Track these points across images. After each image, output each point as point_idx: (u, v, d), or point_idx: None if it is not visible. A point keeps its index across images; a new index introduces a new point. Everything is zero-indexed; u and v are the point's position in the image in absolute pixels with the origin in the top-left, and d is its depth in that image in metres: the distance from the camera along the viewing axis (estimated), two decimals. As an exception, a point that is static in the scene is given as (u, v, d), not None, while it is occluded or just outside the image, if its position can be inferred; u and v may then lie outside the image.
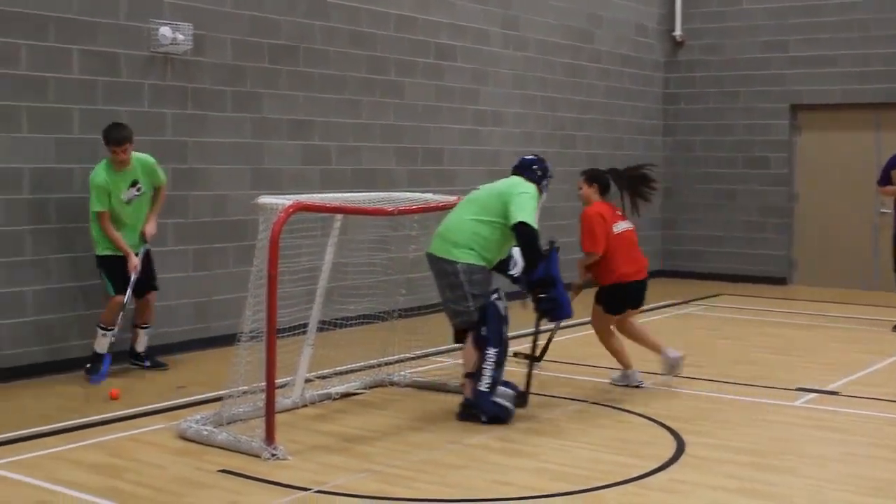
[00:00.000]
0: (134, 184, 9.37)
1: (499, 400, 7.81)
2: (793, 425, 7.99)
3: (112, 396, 8.47)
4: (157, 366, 9.70)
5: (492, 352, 7.79)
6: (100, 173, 9.17)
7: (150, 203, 9.62)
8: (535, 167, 8.26)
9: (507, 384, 8.02)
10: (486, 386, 7.77)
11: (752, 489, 6.39)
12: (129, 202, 9.34)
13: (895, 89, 15.99)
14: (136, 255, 9.38)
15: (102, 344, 9.22)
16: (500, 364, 7.85)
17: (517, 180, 8.11)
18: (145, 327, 9.71)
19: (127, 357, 9.67)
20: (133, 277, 9.28)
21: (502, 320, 7.86)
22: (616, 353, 9.16)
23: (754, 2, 17.16)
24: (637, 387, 9.05)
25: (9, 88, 9.13)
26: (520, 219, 7.73)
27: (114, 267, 9.29)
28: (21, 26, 9.20)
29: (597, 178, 9.28)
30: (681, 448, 7.25)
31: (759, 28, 17.13)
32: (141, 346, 9.70)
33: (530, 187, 8.03)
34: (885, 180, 12.59)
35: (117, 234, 9.26)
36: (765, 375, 9.74)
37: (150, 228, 9.58)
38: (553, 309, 7.85)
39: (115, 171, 9.22)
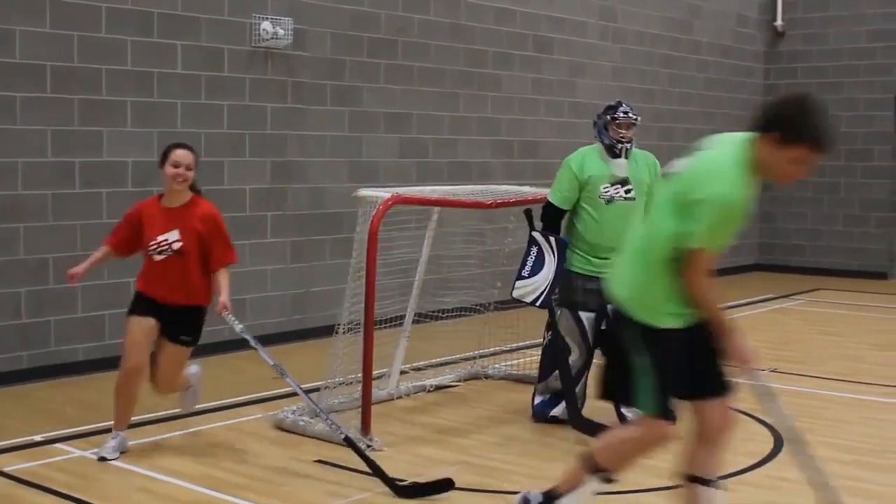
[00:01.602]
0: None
1: (541, 397, 7.69)
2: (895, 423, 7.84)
3: None
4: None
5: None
6: (737, 179, 4.58)
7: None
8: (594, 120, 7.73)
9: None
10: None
11: (856, 488, 6.26)
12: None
13: None
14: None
15: None
16: (549, 367, 7.62)
17: None
18: None
19: None
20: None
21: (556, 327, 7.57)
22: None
23: (859, -10, 16.85)
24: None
25: (115, 83, 9.34)
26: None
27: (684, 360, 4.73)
28: (127, 22, 9.39)
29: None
30: (779, 445, 7.15)
31: (863, 17, 16.77)
32: None
33: (569, 157, 7.70)
34: None
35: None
36: (865, 372, 9.57)
37: None
38: None
39: None
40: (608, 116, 7.50)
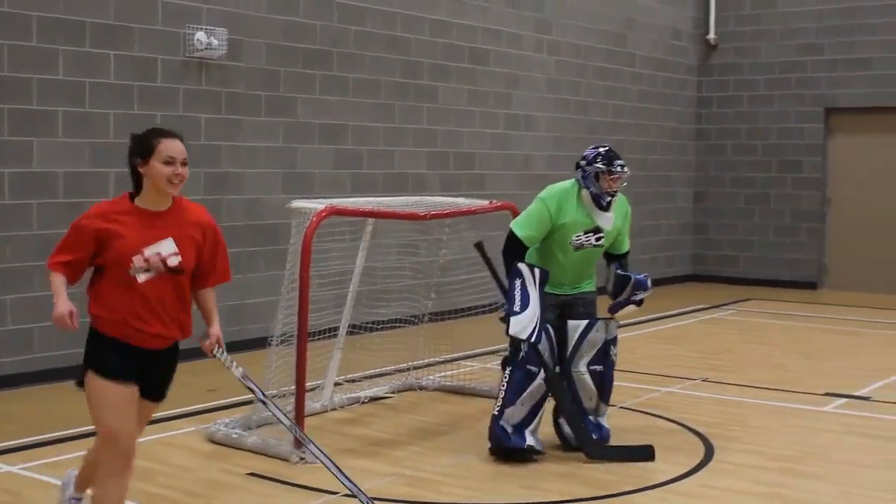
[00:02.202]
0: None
1: (507, 427, 7.05)
2: (823, 431, 7.97)
3: None
4: None
5: (506, 372, 7.13)
6: None
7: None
8: (579, 161, 7.27)
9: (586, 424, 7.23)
10: (497, 408, 7.07)
11: (781, 495, 6.40)
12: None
13: (932, 93, 15.90)
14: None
15: None
16: (517, 388, 7.04)
17: (552, 185, 7.44)
18: None
19: None
20: None
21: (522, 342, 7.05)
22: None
23: (789, 4, 17.09)
24: None
25: (46, 93, 9.25)
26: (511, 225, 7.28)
27: None
28: (59, 32, 9.31)
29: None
30: (710, 453, 7.25)
31: (794, 31, 17.05)
32: None
33: (546, 190, 7.25)
34: None
35: None
36: (794, 380, 9.72)
37: None
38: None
39: None
40: (602, 166, 7.09)
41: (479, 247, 7.44)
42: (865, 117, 16.60)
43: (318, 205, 7.35)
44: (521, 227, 7.16)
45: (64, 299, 4.76)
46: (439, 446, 7.41)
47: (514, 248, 7.13)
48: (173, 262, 4.82)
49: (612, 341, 7.29)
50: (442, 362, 9.46)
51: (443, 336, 9.39)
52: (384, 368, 9.46)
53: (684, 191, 17.81)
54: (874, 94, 16.38)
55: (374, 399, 8.75)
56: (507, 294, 7.05)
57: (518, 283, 7.00)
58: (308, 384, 7.25)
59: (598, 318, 7.30)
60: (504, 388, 7.07)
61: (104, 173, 9.64)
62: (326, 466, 5.54)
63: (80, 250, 4.79)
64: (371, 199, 9.17)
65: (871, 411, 8.59)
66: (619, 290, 7.40)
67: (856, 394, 9.15)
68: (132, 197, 4.88)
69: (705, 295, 15.87)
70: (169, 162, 4.77)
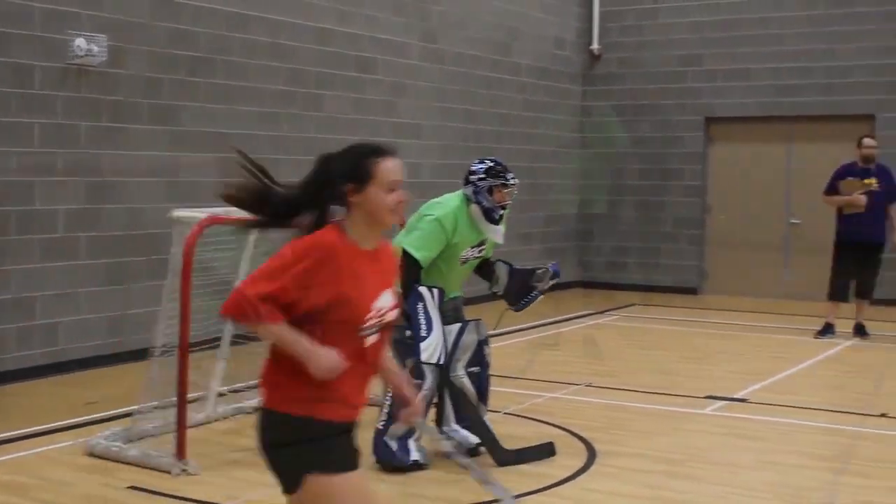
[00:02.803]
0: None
1: (392, 443, 7.03)
2: (703, 433, 8.15)
3: None
4: None
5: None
6: None
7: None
8: (468, 176, 7.28)
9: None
10: (381, 423, 7.04)
11: (663, 497, 6.53)
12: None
13: (807, 103, 16.35)
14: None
15: None
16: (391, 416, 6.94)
17: (437, 200, 7.37)
18: None
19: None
20: None
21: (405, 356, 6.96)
22: None
23: (671, 16, 17.43)
24: None
25: (-83, 100, 9.01)
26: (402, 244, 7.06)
27: None
28: (-71, 37, 9.08)
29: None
30: (592, 457, 7.36)
31: (675, 42, 17.39)
32: None
33: (438, 208, 7.18)
34: (831, 189, 12.62)
35: None
36: (676, 384, 9.91)
37: None
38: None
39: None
40: (496, 181, 7.14)
41: None
42: (743, 126, 17.04)
43: (200, 214, 7.27)
44: (417, 248, 7.05)
45: (322, 348, 3.73)
46: (325, 455, 7.37)
47: (412, 270, 7.03)
48: (390, 317, 3.86)
49: (484, 342, 7.29)
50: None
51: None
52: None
53: (569, 198, 18.01)
54: (752, 104, 16.81)
55: (259, 409, 8.66)
56: (412, 319, 6.98)
57: (420, 307, 6.98)
58: (191, 395, 7.16)
59: (469, 321, 7.30)
60: (389, 402, 7.02)
61: (-21, 182, 9.42)
62: None
63: (290, 290, 3.74)
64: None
65: (748, 413, 8.82)
66: (520, 286, 7.49)
67: (734, 396, 9.37)
68: (344, 233, 3.81)
69: (590, 301, 16.08)
70: (393, 188, 3.78)
